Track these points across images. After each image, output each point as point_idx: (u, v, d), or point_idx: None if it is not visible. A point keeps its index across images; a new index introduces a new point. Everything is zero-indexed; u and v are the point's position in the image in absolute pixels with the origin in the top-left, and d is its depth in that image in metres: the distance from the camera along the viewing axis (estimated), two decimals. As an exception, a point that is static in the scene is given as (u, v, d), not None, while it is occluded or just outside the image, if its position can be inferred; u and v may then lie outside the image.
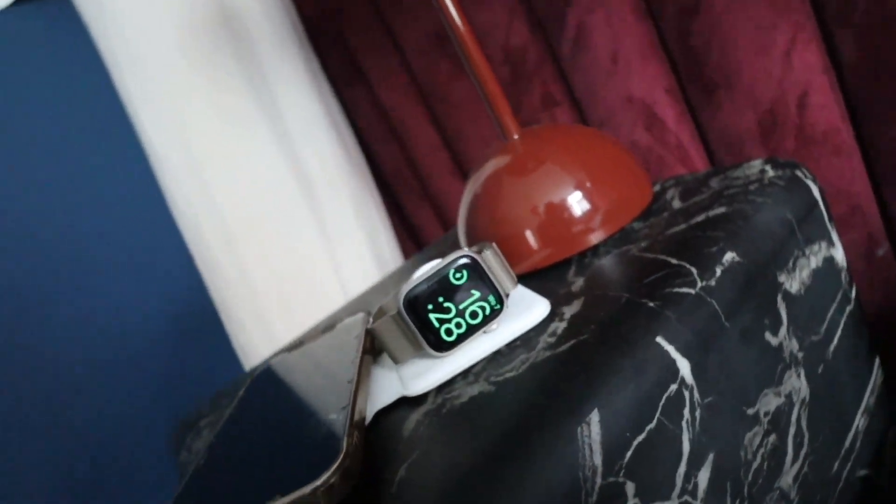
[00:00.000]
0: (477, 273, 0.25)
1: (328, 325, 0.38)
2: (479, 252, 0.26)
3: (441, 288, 0.25)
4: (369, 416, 0.25)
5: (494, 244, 0.28)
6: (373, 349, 0.31)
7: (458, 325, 0.25)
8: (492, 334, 0.26)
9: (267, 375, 0.33)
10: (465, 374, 0.25)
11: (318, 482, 0.18)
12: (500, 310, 0.26)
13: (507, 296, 0.26)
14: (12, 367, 0.71)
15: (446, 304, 0.25)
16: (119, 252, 0.79)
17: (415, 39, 0.68)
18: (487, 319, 0.26)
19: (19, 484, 0.70)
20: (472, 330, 0.25)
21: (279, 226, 0.74)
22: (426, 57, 0.68)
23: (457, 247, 0.26)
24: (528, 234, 0.32)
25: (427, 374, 0.25)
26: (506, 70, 0.60)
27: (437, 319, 0.25)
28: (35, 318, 0.73)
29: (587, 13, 0.50)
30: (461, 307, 0.25)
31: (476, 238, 0.35)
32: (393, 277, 0.55)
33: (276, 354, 0.36)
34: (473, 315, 0.25)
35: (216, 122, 0.69)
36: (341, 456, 0.19)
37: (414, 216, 0.88)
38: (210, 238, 0.72)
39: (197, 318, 0.85)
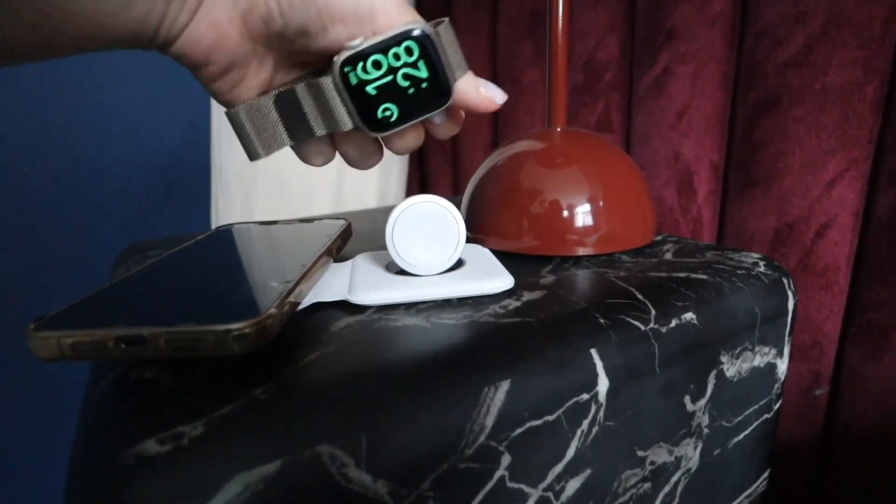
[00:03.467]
0: (429, 52, 0.23)
1: (306, 219, 0.38)
2: (435, 26, 0.23)
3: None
4: (307, 302, 0.26)
5: (448, 20, 0.25)
6: (337, 253, 0.32)
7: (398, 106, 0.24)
8: (449, 284, 0.26)
9: (229, 232, 0.34)
10: (409, 306, 0.26)
11: (234, 325, 0.18)
12: (447, 99, 0.24)
13: (455, 80, 0.24)
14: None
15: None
16: (147, 84, 0.78)
17: (512, 11, 0.67)
18: (430, 105, 0.24)
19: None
20: (410, 114, 0.24)
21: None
22: (514, 32, 0.68)
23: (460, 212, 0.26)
24: (525, 220, 0.33)
25: (376, 289, 0.26)
26: (580, 77, 0.60)
27: (376, 89, 0.23)
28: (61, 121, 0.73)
29: (678, 60, 0.50)
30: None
31: (480, 202, 0.35)
32: (387, 211, 0.55)
33: (246, 223, 0.36)
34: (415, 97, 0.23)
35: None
36: (264, 315, 0.19)
37: (432, 172, 0.89)
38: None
39: (189, 167, 0.84)
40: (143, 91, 0.79)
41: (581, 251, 0.32)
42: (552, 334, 0.23)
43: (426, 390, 0.19)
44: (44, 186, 0.74)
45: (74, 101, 0.74)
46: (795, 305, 0.30)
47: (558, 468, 0.22)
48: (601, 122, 0.60)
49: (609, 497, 0.24)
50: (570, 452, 0.22)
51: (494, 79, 0.75)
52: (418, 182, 0.93)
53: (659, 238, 0.37)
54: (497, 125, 0.74)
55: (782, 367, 0.31)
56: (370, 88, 0.23)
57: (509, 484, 0.20)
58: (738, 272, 0.30)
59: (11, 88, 0.70)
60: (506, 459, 0.20)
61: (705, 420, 0.27)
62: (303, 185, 0.77)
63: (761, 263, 0.31)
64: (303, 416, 0.17)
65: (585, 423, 0.22)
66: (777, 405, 0.31)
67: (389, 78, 0.23)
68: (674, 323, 0.25)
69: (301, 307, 0.25)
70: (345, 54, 0.23)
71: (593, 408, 0.22)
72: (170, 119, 0.81)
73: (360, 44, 0.23)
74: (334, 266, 0.32)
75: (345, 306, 0.26)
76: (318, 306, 0.26)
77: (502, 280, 0.27)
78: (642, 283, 0.28)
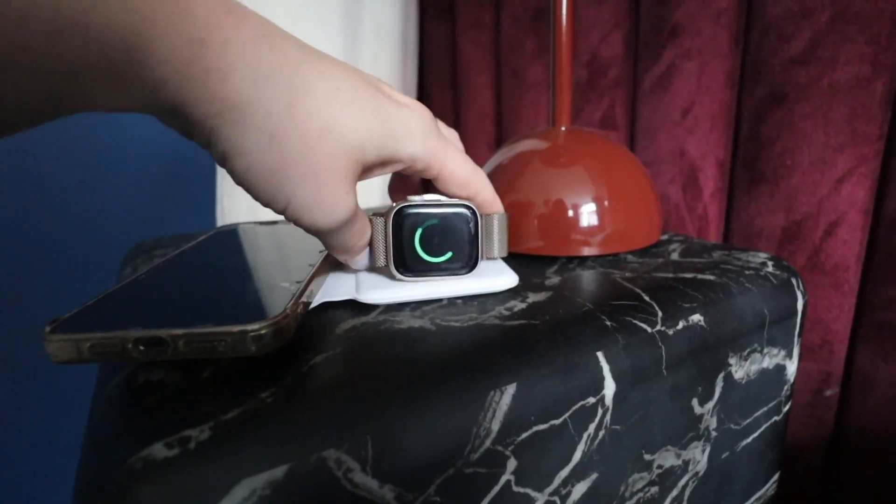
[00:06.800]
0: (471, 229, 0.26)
1: None
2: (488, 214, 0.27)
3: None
4: (316, 301, 0.26)
5: (505, 214, 0.29)
6: None
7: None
8: (455, 283, 0.26)
9: (234, 232, 0.34)
10: (414, 307, 0.26)
11: (251, 326, 0.18)
12: (468, 270, 0.27)
13: (481, 259, 0.27)
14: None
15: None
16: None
17: (515, 7, 0.67)
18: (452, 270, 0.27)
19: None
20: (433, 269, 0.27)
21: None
22: (518, 28, 0.67)
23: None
24: (530, 220, 0.33)
25: (383, 289, 0.26)
26: (584, 73, 0.60)
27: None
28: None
29: (683, 57, 0.49)
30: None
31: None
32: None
33: (249, 223, 0.36)
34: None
35: (296, 7, 0.68)
36: (280, 315, 0.19)
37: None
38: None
39: (195, 166, 0.84)
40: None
41: (586, 251, 0.32)
42: (558, 337, 0.22)
43: (432, 394, 0.19)
44: (49, 185, 0.74)
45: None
46: (805, 306, 0.30)
47: (565, 472, 0.22)
48: (605, 118, 0.60)
49: (616, 501, 0.24)
50: (577, 456, 0.22)
51: (497, 71, 0.74)
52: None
53: (665, 237, 0.37)
54: (501, 121, 0.74)
55: (791, 368, 0.31)
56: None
57: (515, 488, 0.20)
58: (746, 272, 0.29)
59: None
60: (512, 464, 0.20)
61: (713, 423, 0.27)
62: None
63: (769, 263, 0.31)
64: (309, 420, 0.17)
65: (592, 427, 0.22)
66: (786, 407, 0.31)
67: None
68: (681, 325, 0.25)
69: (311, 307, 0.25)
70: (400, 205, 0.26)
71: (600, 411, 0.22)
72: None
73: (418, 201, 0.26)
74: None
75: (349, 306, 0.26)
76: (323, 306, 0.26)
77: (506, 278, 0.27)
78: (649, 284, 0.28)
